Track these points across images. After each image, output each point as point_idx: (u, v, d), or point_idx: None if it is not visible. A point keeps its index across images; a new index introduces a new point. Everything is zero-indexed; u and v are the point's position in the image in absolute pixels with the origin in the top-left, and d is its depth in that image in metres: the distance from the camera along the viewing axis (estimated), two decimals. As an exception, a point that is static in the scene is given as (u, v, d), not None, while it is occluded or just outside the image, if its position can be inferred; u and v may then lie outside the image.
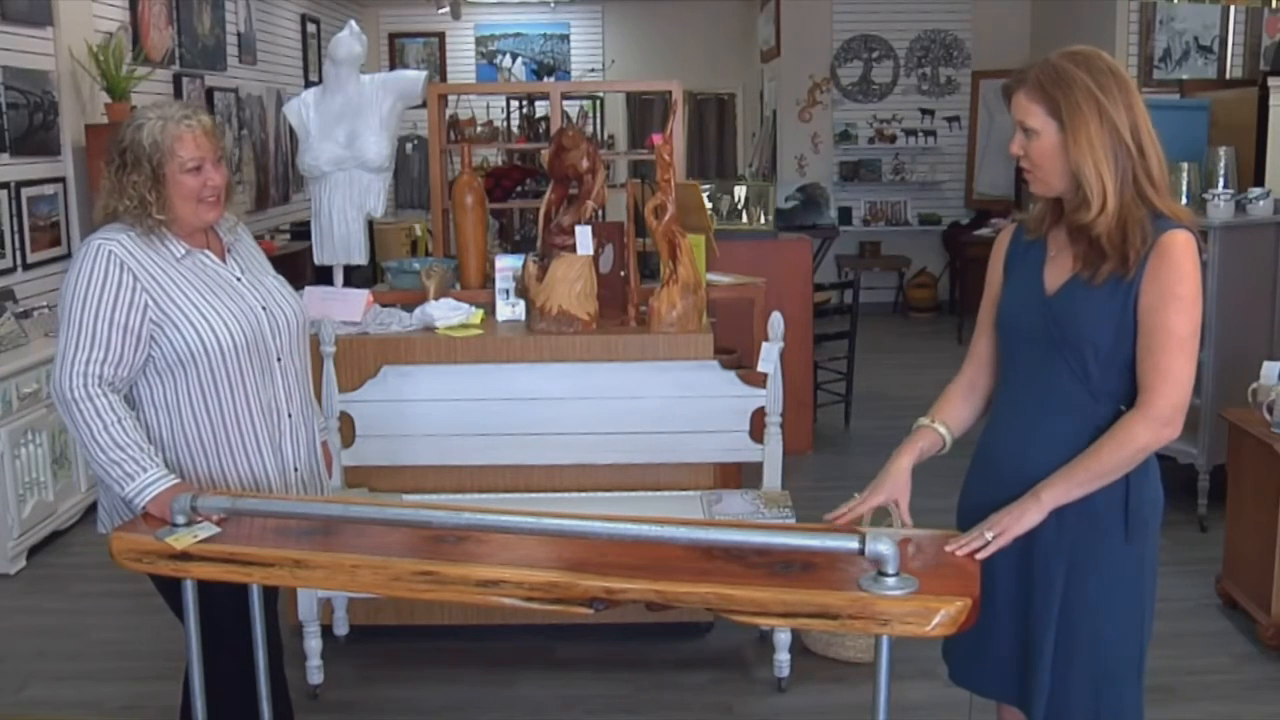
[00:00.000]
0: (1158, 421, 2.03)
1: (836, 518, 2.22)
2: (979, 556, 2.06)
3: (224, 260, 2.58)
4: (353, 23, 4.28)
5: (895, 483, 2.25)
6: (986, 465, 2.27)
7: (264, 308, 2.57)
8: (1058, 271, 2.14)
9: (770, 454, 3.71)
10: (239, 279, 2.57)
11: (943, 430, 2.31)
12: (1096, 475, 2.06)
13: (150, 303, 2.42)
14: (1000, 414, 2.28)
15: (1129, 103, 2.03)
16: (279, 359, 2.59)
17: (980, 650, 2.27)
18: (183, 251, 2.49)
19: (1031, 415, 2.18)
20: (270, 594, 2.60)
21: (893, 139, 10.63)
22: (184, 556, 2.21)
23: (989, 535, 2.06)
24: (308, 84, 10.05)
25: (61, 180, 5.88)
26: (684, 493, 3.76)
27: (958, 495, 2.35)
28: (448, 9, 10.72)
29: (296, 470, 2.65)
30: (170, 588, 2.46)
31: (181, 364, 2.45)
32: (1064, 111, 2.04)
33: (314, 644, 3.55)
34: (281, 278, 2.70)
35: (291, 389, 2.63)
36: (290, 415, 2.62)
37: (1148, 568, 2.17)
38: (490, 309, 4.01)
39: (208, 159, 2.47)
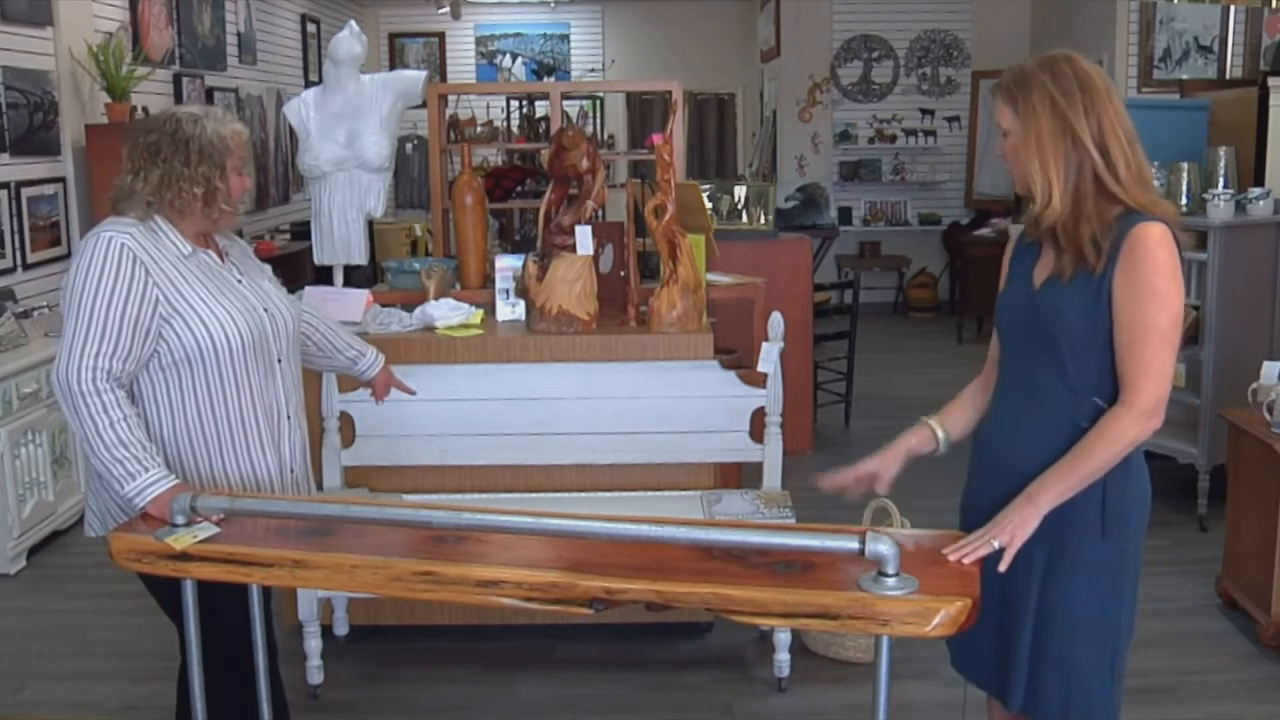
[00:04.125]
0: (1143, 415, 2.06)
1: (829, 480, 2.34)
2: (1001, 567, 2.08)
3: (223, 262, 2.59)
4: (353, 23, 4.29)
5: (885, 458, 2.35)
6: (980, 459, 2.33)
7: (265, 309, 2.58)
8: (1044, 269, 2.19)
9: (770, 454, 3.71)
10: (240, 280, 2.58)
11: (939, 431, 2.37)
12: (1089, 474, 2.09)
13: (161, 297, 2.42)
14: (992, 408, 2.33)
15: (1092, 105, 2.07)
16: (280, 361, 2.61)
17: (970, 638, 2.30)
18: (189, 250, 2.50)
19: (1017, 410, 2.24)
20: (264, 594, 2.61)
21: (893, 139, 10.63)
22: (184, 556, 2.21)
23: (996, 544, 2.07)
24: (308, 84, 10.04)
25: (61, 180, 5.88)
26: (684, 493, 3.76)
27: (958, 496, 2.36)
28: (448, 9, 10.72)
29: (293, 472, 2.66)
30: (161, 589, 2.47)
31: (188, 361, 2.46)
32: (1021, 111, 2.12)
33: (314, 644, 3.55)
34: (276, 280, 2.72)
35: (290, 391, 2.65)
36: (289, 417, 2.64)
37: (1127, 566, 2.18)
38: (490, 309, 4.01)
39: (244, 163, 2.58)
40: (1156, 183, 3.06)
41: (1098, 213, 2.08)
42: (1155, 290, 2.03)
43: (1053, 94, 2.08)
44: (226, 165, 2.50)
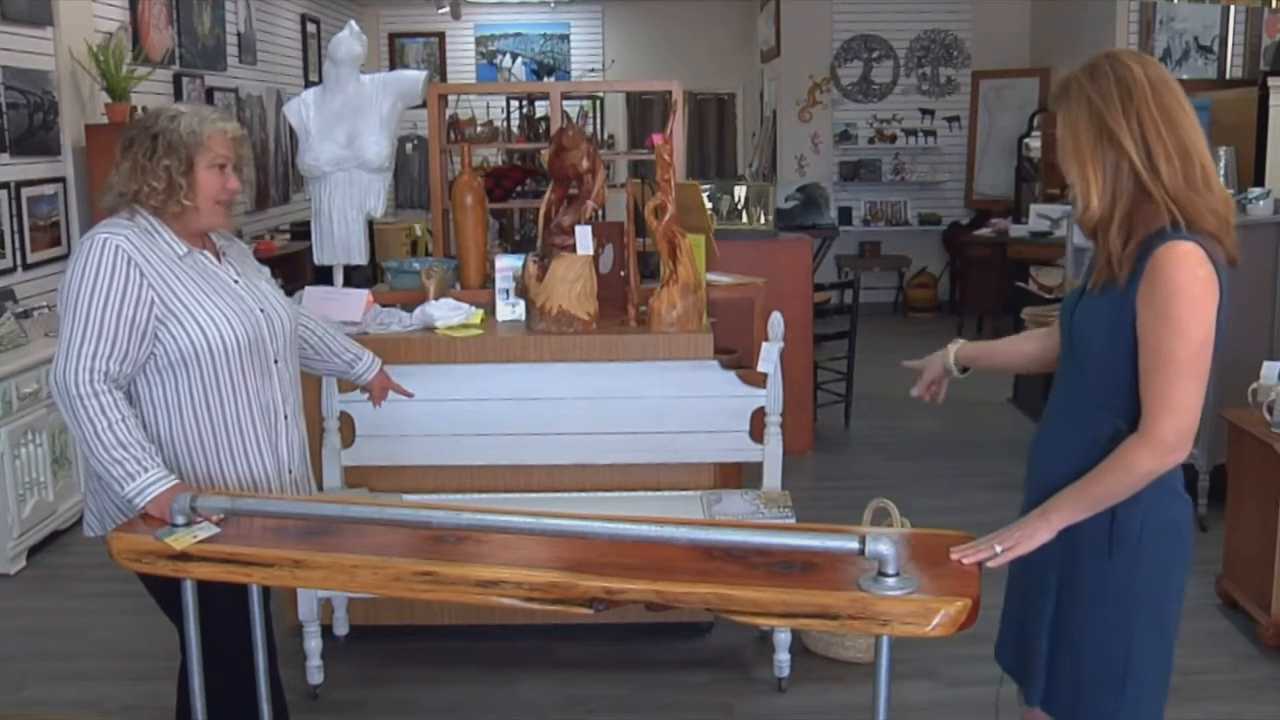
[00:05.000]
0: (1160, 448, 1.98)
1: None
2: (992, 564, 2.06)
3: (220, 262, 2.59)
4: (353, 23, 4.28)
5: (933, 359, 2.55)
6: (1028, 463, 2.29)
7: (261, 310, 2.58)
8: (1093, 278, 2.12)
9: (770, 454, 3.71)
10: (236, 281, 2.58)
11: (951, 353, 2.51)
12: (1100, 499, 2.04)
13: (156, 299, 2.42)
14: (1044, 414, 2.29)
15: (1130, 103, 1.99)
16: (276, 361, 2.61)
17: (1004, 632, 2.35)
18: (184, 250, 2.50)
19: (1051, 419, 2.22)
20: (264, 595, 2.61)
21: (893, 139, 10.63)
22: (184, 557, 2.21)
23: (998, 549, 2.05)
24: (308, 84, 10.04)
25: (61, 180, 5.88)
26: (684, 493, 3.76)
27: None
28: (448, 9, 10.72)
29: (291, 472, 2.66)
30: (160, 589, 2.47)
31: (184, 362, 2.46)
32: (1062, 116, 2.08)
33: (314, 644, 3.55)
34: (274, 281, 2.73)
35: (287, 391, 2.65)
36: (286, 417, 2.64)
37: (1139, 591, 2.10)
38: (490, 309, 4.01)
39: (230, 163, 2.53)
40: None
41: (1139, 218, 2.00)
42: (1172, 317, 1.93)
43: (1090, 95, 2.02)
44: (196, 161, 2.46)
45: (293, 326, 2.70)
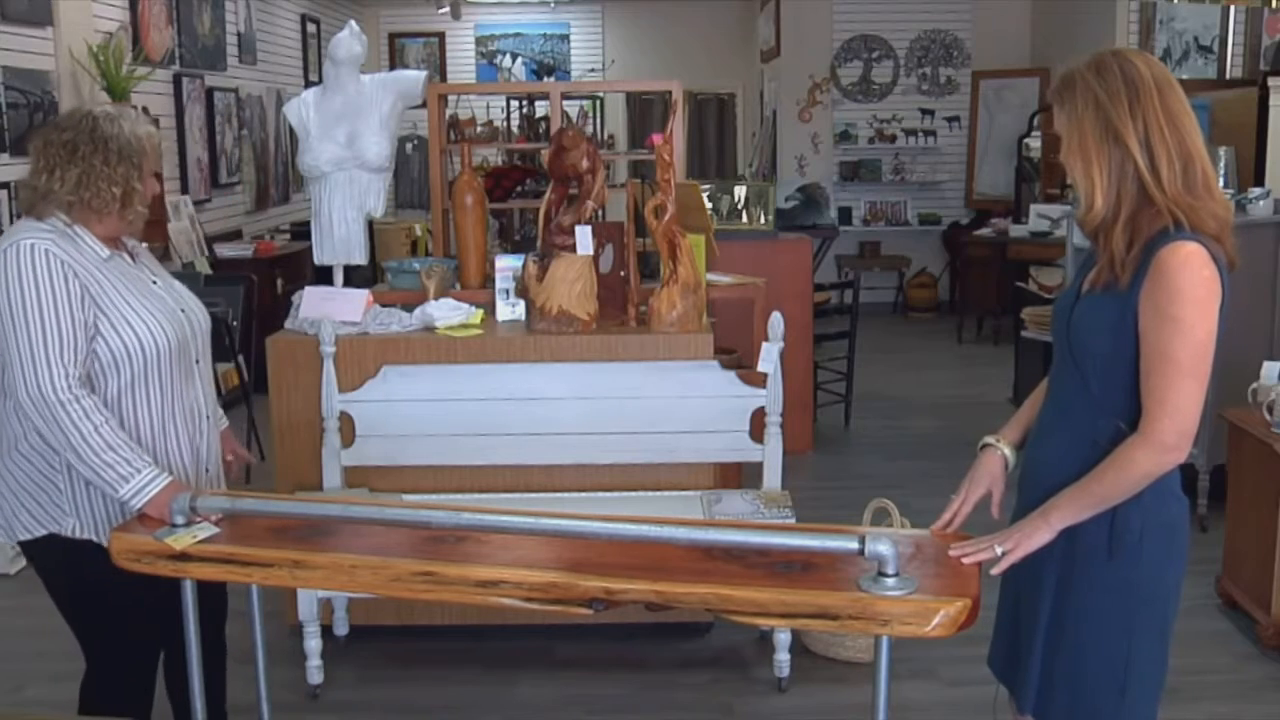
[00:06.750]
0: (1159, 448, 1.98)
1: (945, 525, 2.22)
2: (994, 571, 2.06)
3: (135, 264, 2.58)
4: (353, 23, 4.28)
5: (991, 473, 2.27)
6: (1023, 465, 2.27)
7: (182, 310, 2.59)
8: (1092, 278, 2.11)
9: (770, 454, 3.71)
10: (155, 282, 2.58)
11: (1006, 450, 2.30)
12: (1100, 499, 2.03)
13: (91, 301, 2.40)
14: (1037, 415, 2.27)
15: (1138, 103, 1.99)
16: (198, 361, 2.62)
17: (997, 638, 2.33)
18: (106, 254, 2.47)
19: (1049, 419, 2.20)
20: (220, 595, 2.61)
21: (893, 139, 10.64)
22: (184, 557, 2.21)
23: (999, 550, 2.05)
24: (308, 84, 10.05)
25: (61, 180, 5.87)
26: (684, 493, 3.76)
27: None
28: (448, 9, 10.73)
29: (208, 471, 2.67)
30: (67, 593, 2.52)
31: (115, 365, 2.43)
32: (1066, 113, 2.06)
33: (314, 644, 3.55)
34: (182, 284, 2.72)
35: (208, 391, 2.67)
36: (208, 416, 2.65)
37: (1139, 592, 2.09)
38: (490, 309, 4.01)
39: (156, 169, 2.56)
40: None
41: (1142, 220, 1.99)
42: (1173, 318, 1.93)
43: (1096, 93, 2.00)
44: (143, 167, 2.48)
45: (209, 327, 2.70)
